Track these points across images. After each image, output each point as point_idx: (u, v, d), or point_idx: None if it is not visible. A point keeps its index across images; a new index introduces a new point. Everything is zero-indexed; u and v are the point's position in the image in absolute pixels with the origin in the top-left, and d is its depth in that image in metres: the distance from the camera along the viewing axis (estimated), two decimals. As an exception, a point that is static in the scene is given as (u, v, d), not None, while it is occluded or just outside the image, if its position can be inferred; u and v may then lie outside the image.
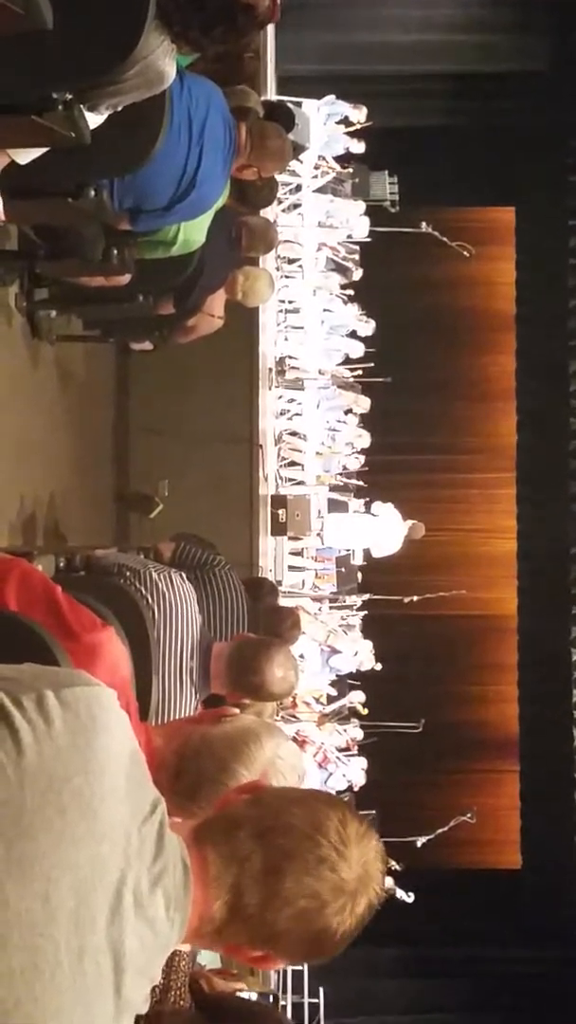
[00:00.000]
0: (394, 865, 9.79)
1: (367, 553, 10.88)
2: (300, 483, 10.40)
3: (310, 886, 1.45)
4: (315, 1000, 10.88)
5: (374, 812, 11.27)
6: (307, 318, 10.84)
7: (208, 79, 4.20)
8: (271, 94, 9.71)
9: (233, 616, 4.46)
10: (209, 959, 2.99)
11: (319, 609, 10.44)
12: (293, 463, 10.51)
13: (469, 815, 11.51)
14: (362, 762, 10.66)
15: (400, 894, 10.13)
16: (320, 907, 1.45)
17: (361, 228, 11.41)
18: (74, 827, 1.31)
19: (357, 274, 11.46)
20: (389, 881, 10.30)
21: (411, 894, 9.61)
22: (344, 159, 11.40)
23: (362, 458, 11.52)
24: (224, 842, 1.47)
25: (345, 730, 10.58)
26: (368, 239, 11.52)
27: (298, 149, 9.54)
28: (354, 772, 10.51)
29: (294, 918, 1.45)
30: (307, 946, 1.51)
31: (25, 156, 3.42)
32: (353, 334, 11.50)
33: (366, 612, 11.18)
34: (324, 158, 11.00)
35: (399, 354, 12.65)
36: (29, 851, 1.28)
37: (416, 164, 12.99)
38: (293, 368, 10.47)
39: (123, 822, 1.36)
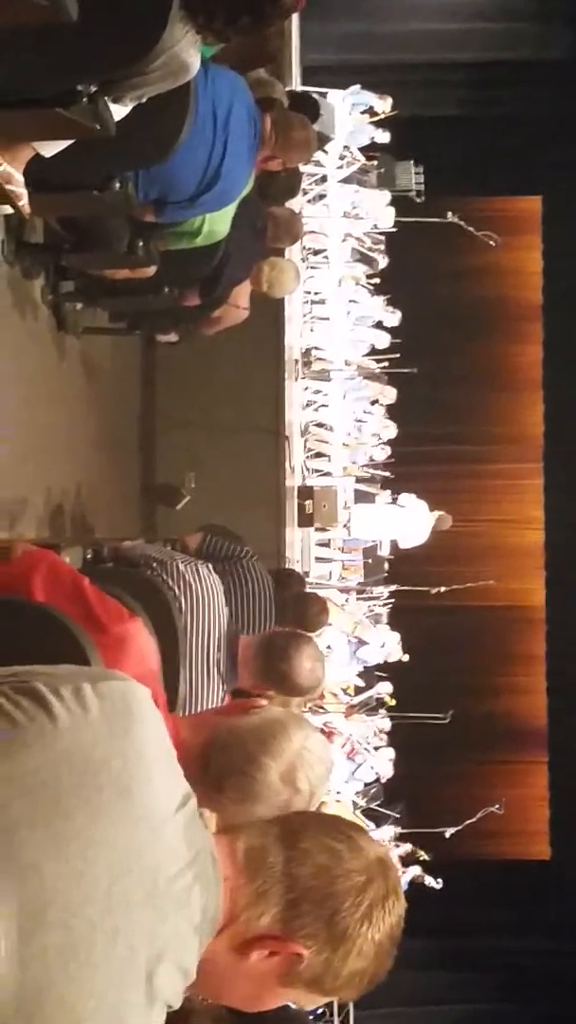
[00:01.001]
0: (423, 855, 9.78)
1: (394, 544, 10.86)
2: (327, 474, 10.39)
3: (326, 844, 1.47)
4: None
5: (403, 804, 11.29)
6: (333, 309, 10.82)
7: (231, 67, 4.20)
8: (296, 84, 9.70)
9: (260, 607, 4.47)
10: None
11: (346, 600, 10.43)
12: (319, 454, 10.50)
13: (497, 806, 11.48)
14: (390, 753, 10.66)
15: (429, 880, 10.13)
16: (336, 864, 1.46)
17: (386, 218, 11.38)
18: (110, 807, 1.32)
19: (382, 264, 11.43)
20: (417, 870, 10.31)
21: (439, 881, 9.62)
22: (369, 149, 11.36)
23: (388, 449, 11.49)
24: (256, 838, 1.48)
25: (373, 721, 10.57)
26: (394, 229, 11.48)
27: (323, 140, 9.52)
28: (382, 763, 10.51)
29: (312, 875, 1.45)
30: (329, 910, 1.47)
31: (50, 149, 3.42)
32: (379, 325, 11.47)
33: (393, 603, 11.17)
34: (349, 148, 10.97)
35: (425, 344, 12.61)
36: (65, 830, 1.29)
37: (441, 153, 12.94)
38: (319, 359, 10.45)
39: (159, 809, 1.37)
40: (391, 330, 11.49)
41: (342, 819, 1.55)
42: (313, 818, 1.58)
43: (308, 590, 6.37)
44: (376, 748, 10.53)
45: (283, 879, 1.45)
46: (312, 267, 10.63)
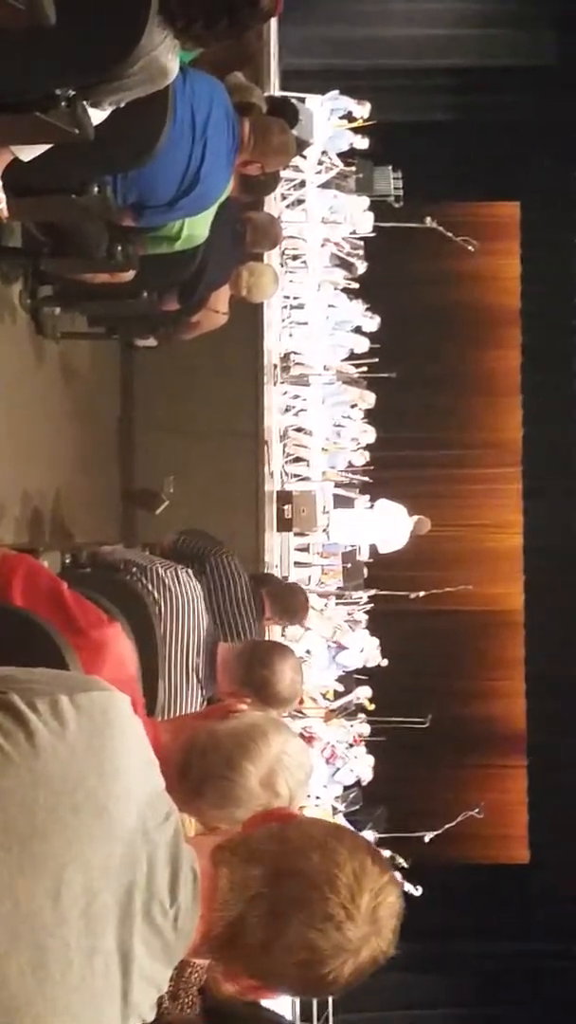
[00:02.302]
0: (401, 862, 9.78)
1: (373, 549, 10.86)
2: (305, 479, 10.39)
3: (312, 941, 1.41)
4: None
5: (383, 808, 11.29)
6: (311, 314, 10.82)
7: (209, 70, 4.20)
8: (274, 89, 9.70)
9: (237, 601, 4.47)
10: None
11: (325, 605, 10.43)
12: (298, 459, 10.50)
13: (477, 810, 11.50)
14: (369, 758, 10.66)
15: (408, 887, 10.14)
16: (319, 961, 1.42)
17: (365, 224, 11.39)
18: (87, 827, 1.31)
19: (361, 269, 11.44)
20: (396, 876, 10.30)
21: (419, 887, 9.62)
22: (348, 155, 11.38)
23: (367, 454, 11.50)
24: (238, 873, 1.44)
25: (352, 726, 10.57)
26: (372, 234, 11.50)
27: (301, 145, 9.51)
28: (361, 767, 10.51)
29: (292, 965, 1.43)
30: (301, 990, 1.51)
31: (28, 153, 3.42)
32: (358, 330, 11.49)
33: (372, 608, 11.17)
34: (327, 153, 10.98)
35: (404, 349, 12.63)
36: (41, 850, 1.28)
37: (420, 159, 12.96)
38: (298, 364, 10.45)
39: (136, 826, 1.36)
40: (370, 335, 11.51)
41: (344, 864, 1.45)
42: (308, 864, 1.47)
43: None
44: (355, 754, 10.53)
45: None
46: (291, 272, 10.64)
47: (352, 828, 2.29)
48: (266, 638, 5.28)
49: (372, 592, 11.04)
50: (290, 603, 5.09)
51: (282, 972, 1.45)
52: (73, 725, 1.35)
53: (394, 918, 1.48)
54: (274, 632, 7.55)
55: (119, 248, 4.46)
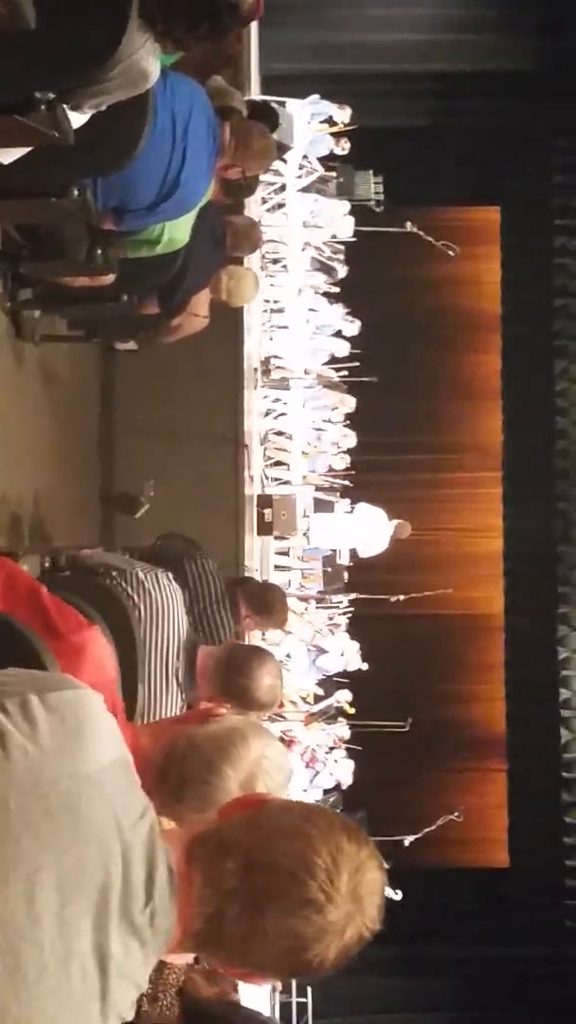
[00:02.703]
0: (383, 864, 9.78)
1: (353, 553, 10.88)
2: (286, 483, 10.40)
3: (293, 927, 1.40)
4: (303, 999, 10.89)
5: (363, 811, 11.29)
6: (292, 318, 10.84)
7: (190, 73, 4.20)
8: (255, 93, 9.71)
9: (215, 604, 4.47)
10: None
11: (305, 609, 10.44)
12: (279, 463, 10.51)
13: (456, 814, 11.52)
14: (349, 762, 10.67)
15: (388, 892, 10.13)
16: (303, 947, 1.41)
17: (346, 228, 11.42)
18: (59, 830, 1.31)
19: (342, 274, 11.46)
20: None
21: (399, 892, 9.63)
22: (329, 159, 11.40)
23: (348, 458, 11.52)
24: (212, 868, 1.43)
25: (332, 729, 10.58)
26: (353, 239, 11.52)
27: (282, 149, 9.53)
28: (341, 771, 10.52)
29: (276, 953, 1.43)
30: (288, 974, 1.51)
31: (8, 156, 3.41)
32: (338, 334, 11.50)
33: (352, 612, 11.19)
34: (308, 158, 11.00)
35: (384, 354, 12.65)
36: (12, 853, 1.28)
37: (401, 164, 12.99)
38: (278, 368, 10.47)
39: (110, 826, 1.35)
40: (350, 339, 11.52)
41: (316, 855, 1.43)
42: (278, 859, 1.45)
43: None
44: (334, 758, 10.53)
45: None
46: (271, 276, 10.65)
47: (326, 807, 2.28)
48: (245, 639, 5.28)
49: (352, 596, 11.06)
50: (265, 600, 5.07)
51: (267, 961, 1.45)
52: (44, 726, 1.34)
53: (376, 894, 1.46)
54: (254, 636, 7.56)
55: (99, 251, 4.46)
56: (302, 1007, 10.82)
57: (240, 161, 4.40)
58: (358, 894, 1.42)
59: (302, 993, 10.82)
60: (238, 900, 1.41)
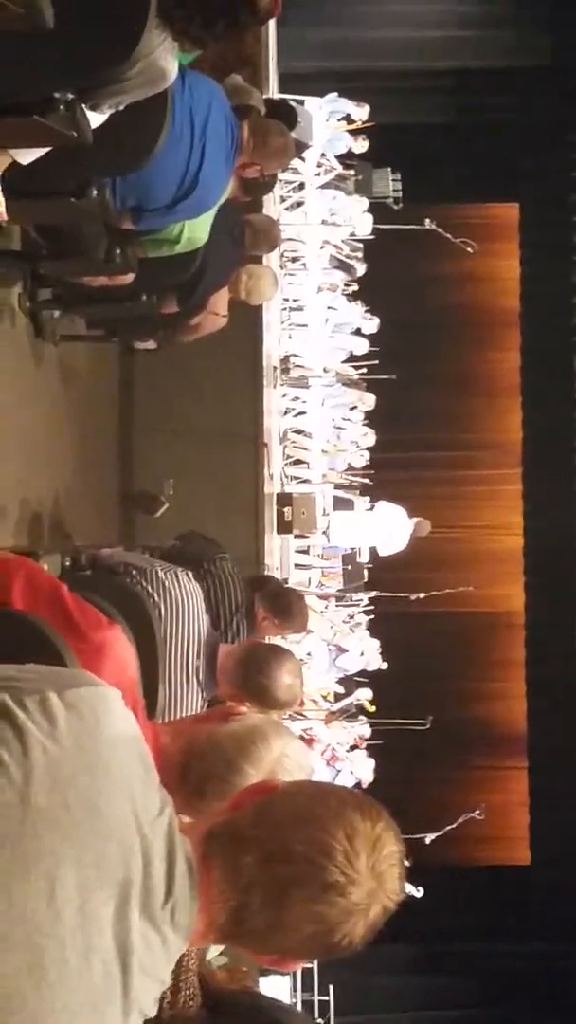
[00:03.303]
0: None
1: (373, 551, 10.86)
2: (305, 481, 10.39)
3: (318, 912, 1.41)
4: (325, 998, 10.88)
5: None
6: (311, 316, 10.83)
7: (208, 72, 4.20)
8: (273, 91, 9.70)
9: (234, 604, 4.46)
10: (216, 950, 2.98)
11: (325, 607, 10.43)
12: (298, 461, 10.50)
13: (478, 812, 11.50)
14: (370, 761, 10.66)
15: (409, 889, 10.14)
16: (329, 930, 1.42)
17: (364, 225, 11.39)
18: (79, 825, 1.31)
19: (360, 271, 11.45)
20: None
21: (420, 889, 9.62)
22: (347, 157, 11.38)
23: (367, 455, 11.50)
24: (229, 865, 1.43)
25: (353, 727, 10.57)
26: (371, 236, 11.50)
27: (300, 147, 9.52)
28: (362, 769, 10.51)
29: (303, 938, 1.44)
30: (319, 954, 1.51)
31: (27, 156, 3.42)
32: (357, 331, 11.49)
33: (373, 610, 11.18)
34: (326, 156, 10.99)
35: (403, 351, 12.63)
36: (33, 850, 1.28)
37: (419, 161, 12.98)
38: (298, 366, 10.46)
39: (130, 822, 1.35)
40: (369, 337, 11.51)
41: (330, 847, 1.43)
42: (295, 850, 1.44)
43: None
44: (355, 756, 10.52)
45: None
46: (290, 274, 10.64)
47: (335, 784, 2.28)
48: (264, 637, 5.27)
49: (372, 594, 11.04)
50: (284, 604, 5.03)
51: (295, 946, 1.46)
52: (63, 723, 1.35)
53: (396, 866, 1.46)
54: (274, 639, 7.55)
55: (118, 251, 4.46)
56: (324, 1005, 10.81)
57: (258, 159, 4.40)
58: (378, 870, 1.43)
59: (324, 991, 10.82)
60: (259, 891, 1.42)
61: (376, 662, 10.83)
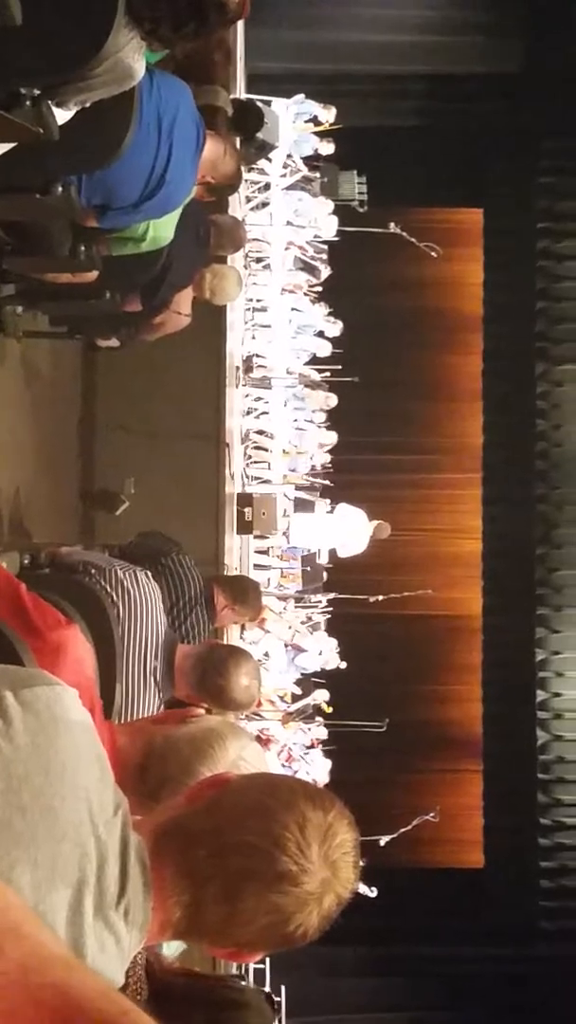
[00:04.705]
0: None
1: (333, 552, 10.88)
2: (266, 482, 10.40)
3: (272, 903, 1.42)
4: (277, 998, 10.88)
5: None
6: (275, 317, 10.84)
7: (178, 78, 4.19)
8: (240, 92, 9.70)
9: (192, 601, 4.47)
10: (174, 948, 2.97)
11: (284, 608, 10.44)
12: (259, 462, 10.50)
13: (432, 814, 11.53)
14: (326, 762, 10.67)
15: (363, 889, 10.16)
16: (284, 920, 1.44)
17: (329, 227, 11.42)
18: (34, 826, 1.31)
19: (325, 273, 11.46)
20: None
21: (374, 889, 9.64)
22: (313, 159, 11.40)
23: (328, 458, 11.52)
24: (183, 860, 1.44)
25: (309, 729, 10.58)
26: (336, 239, 11.53)
27: (267, 148, 9.53)
28: (318, 770, 10.52)
29: (259, 930, 1.44)
30: (275, 947, 1.52)
31: (-8, 151, 3.40)
32: (320, 334, 11.50)
33: (331, 611, 11.19)
34: (292, 157, 11.00)
35: (366, 354, 12.66)
36: None
37: (385, 164, 13.01)
38: (260, 367, 10.46)
39: (85, 822, 1.35)
40: (332, 339, 11.53)
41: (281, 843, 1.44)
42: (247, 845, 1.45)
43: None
44: (311, 757, 10.53)
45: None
46: (254, 275, 10.65)
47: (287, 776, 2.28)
48: (224, 638, 5.28)
49: (331, 596, 11.06)
50: (240, 587, 5.08)
51: (251, 938, 1.46)
52: (18, 722, 1.34)
53: (349, 854, 1.47)
54: (232, 632, 7.55)
55: (83, 248, 4.44)
56: (274, 1006, 10.81)
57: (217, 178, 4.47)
58: (331, 859, 1.44)
59: (275, 991, 10.82)
60: (213, 885, 1.42)
61: (334, 660, 10.86)
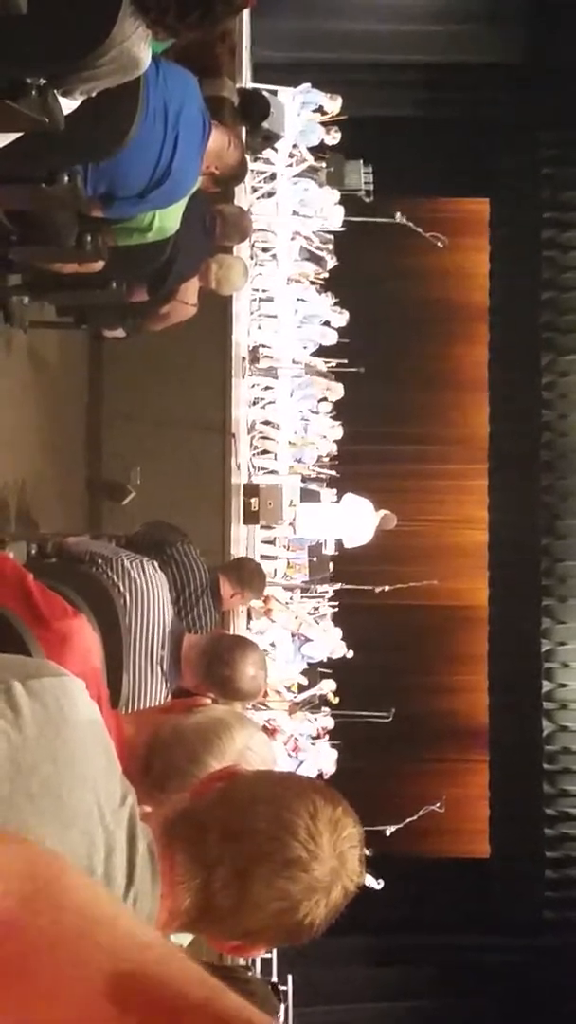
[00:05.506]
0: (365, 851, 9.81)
1: (339, 543, 10.88)
2: (273, 472, 10.40)
3: (281, 889, 1.43)
4: (283, 987, 10.91)
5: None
6: (280, 307, 10.82)
7: (180, 59, 4.19)
8: (246, 82, 9.68)
9: (199, 591, 4.48)
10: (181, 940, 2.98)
11: (291, 598, 10.45)
12: (266, 452, 10.50)
13: (438, 804, 11.55)
14: (332, 752, 10.68)
15: (369, 880, 10.18)
16: (292, 907, 1.44)
17: (335, 217, 11.40)
18: (42, 814, 1.31)
19: (331, 263, 11.45)
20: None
21: (380, 880, 9.66)
22: (319, 148, 11.37)
23: (335, 448, 11.51)
24: (193, 845, 1.45)
25: (316, 719, 10.59)
26: (342, 228, 11.50)
27: (273, 137, 9.52)
28: (324, 761, 10.53)
29: (267, 917, 1.45)
30: (282, 938, 1.52)
31: (-2, 141, 3.39)
32: (326, 324, 11.49)
33: (338, 602, 11.19)
34: (298, 147, 10.97)
35: (372, 344, 12.65)
36: None
37: (391, 154, 12.98)
38: (266, 357, 10.45)
39: (92, 812, 1.36)
40: (338, 329, 11.51)
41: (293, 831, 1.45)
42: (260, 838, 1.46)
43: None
44: (318, 747, 10.54)
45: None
46: (260, 265, 10.64)
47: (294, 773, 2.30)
48: (230, 627, 5.30)
49: (338, 586, 11.07)
50: (243, 570, 5.14)
51: (260, 926, 1.47)
52: (27, 712, 1.35)
53: (356, 847, 1.49)
54: (239, 622, 7.56)
55: (88, 238, 4.44)
56: (282, 995, 10.84)
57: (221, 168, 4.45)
58: (339, 850, 1.46)
59: (282, 981, 10.84)
60: (223, 869, 1.43)
61: (341, 650, 10.86)
